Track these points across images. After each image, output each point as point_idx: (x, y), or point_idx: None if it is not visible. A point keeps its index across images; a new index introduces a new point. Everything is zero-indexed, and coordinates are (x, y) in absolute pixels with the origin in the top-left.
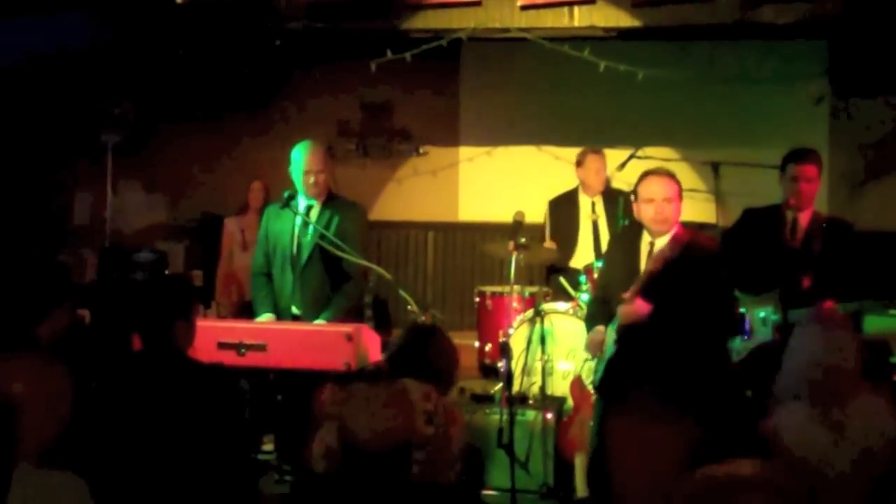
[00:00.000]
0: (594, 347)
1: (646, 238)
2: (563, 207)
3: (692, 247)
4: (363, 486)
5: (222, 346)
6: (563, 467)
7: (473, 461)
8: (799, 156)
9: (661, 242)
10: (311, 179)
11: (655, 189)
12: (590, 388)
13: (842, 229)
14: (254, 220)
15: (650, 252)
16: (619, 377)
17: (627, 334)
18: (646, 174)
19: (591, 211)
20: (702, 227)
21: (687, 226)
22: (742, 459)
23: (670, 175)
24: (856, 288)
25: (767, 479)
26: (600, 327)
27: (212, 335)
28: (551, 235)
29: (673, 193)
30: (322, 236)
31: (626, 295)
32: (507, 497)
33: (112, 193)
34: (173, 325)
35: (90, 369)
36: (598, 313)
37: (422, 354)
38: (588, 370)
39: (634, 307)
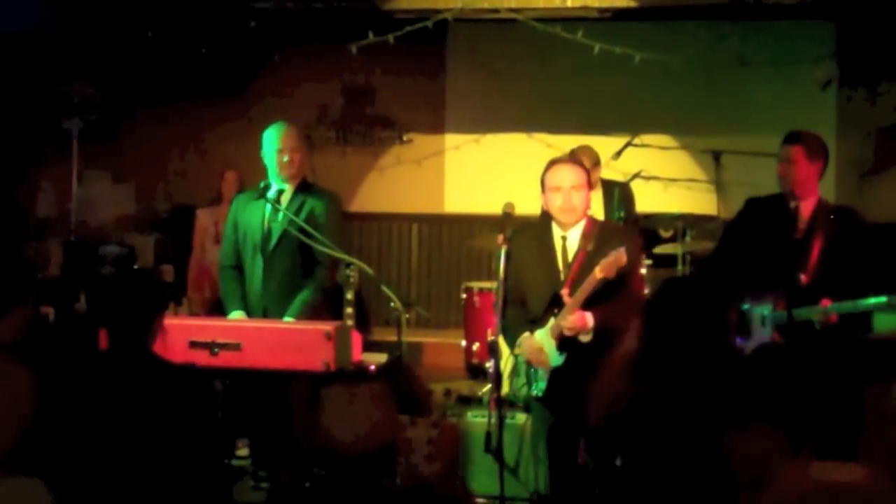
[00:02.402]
0: (537, 358)
1: (557, 232)
2: None
3: (630, 245)
4: (345, 493)
5: (194, 345)
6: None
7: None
8: (785, 137)
9: (574, 235)
10: (286, 158)
11: (562, 177)
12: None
13: (849, 219)
14: (227, 211)
15: (564, 247)
16: (568, 388)
17: (572, 344)
18: (552, 162)
19: None
20: (702, 218)
21: (592, 217)
22: (854, 465)
23: (578, 162)
24: (862, 283)
25: (875, 490)
26: (527, 334)
27: (183, 334)
28: None
29: (581, 181)
30: (292, 222)
31: (568, 301)
32: None
33: (77, 184)
34: (143, 324)
35: (54, 369)
36: (517, 319)
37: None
38: None
39: (581, 321)
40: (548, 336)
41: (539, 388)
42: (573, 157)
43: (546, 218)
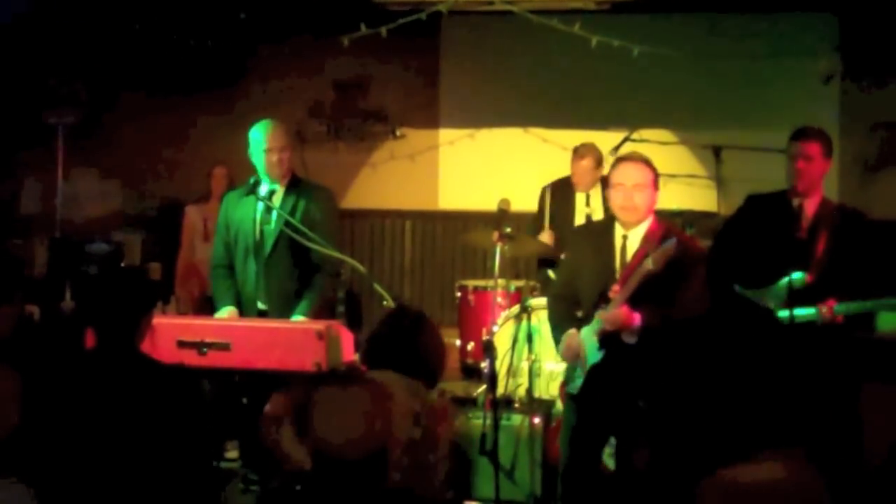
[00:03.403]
0: (572, 354)
1: (618, 231)
2: (560, 195)
3: (684, 249)
4: (335, 498)
5: (182, 344)
6: (552, 476)
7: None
8: (798, 132)
9: (635, 235)
10: (275, 157)
11: (626, 174)
12: None
13: (853, 218)
14: (216, 208)
15: (623, 246)
16: (602, 387)
17: (613, 342)
18: (619, 159)
19: (585, 204)
20: (702, 215)
21: (661, 218)
22: (767, 461)
23: (645, 161)
24: (868, 283)
25: (793, 483)
26: (573, 331)
27: (171, 333)
28: (550, 224)
29: (645, 180)
30: (287, 223)
31: (613, 296)
32: None
33: (63, 180)
34: (131, 323)
35: (39, 370)
36: (565, 314)
37: (409, 343)
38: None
39: (624, 317)
40: (591, 333)
41: (575, 386)
42: (640, 155)
43: (610, 215)
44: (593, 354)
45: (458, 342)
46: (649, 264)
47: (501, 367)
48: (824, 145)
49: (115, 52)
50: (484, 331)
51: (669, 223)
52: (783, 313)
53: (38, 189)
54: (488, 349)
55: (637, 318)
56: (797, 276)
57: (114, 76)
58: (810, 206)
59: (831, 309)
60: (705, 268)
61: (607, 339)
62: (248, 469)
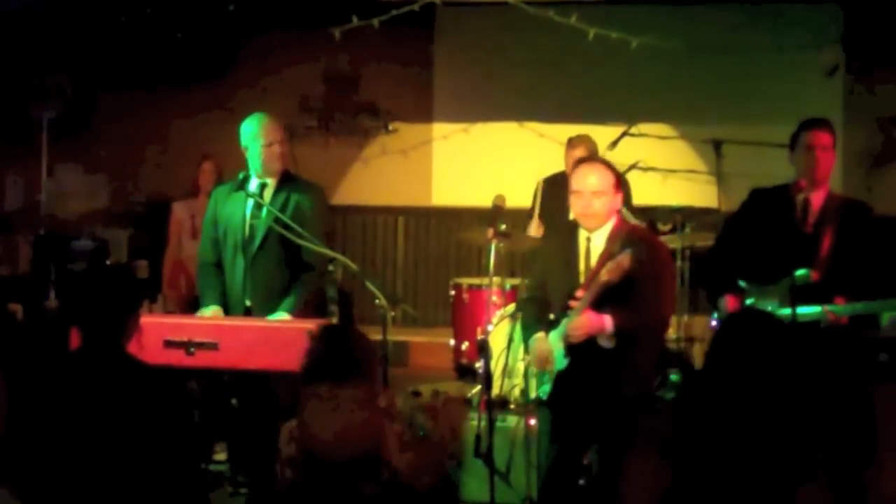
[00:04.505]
0: (542, 361)
1: (583, 234)
2: (557, 189)
3: (651, 250)
4: (327, 498)
5: (169, 344)
6: None
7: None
8: (811, 122)
9: (599, 237)
10: (277, 150)
11: (583, 180)
12: None
13: (859, 213)
14: (205, 204)
15: (588, 249)
16: (570, 393)
17: (581, 347)
18: (578, 161)
19: None
20: (702, 211)
21: (625, 219)
22: None
23: (604, 164)
24: (873, 280)
25: None
26: (540, 335)
27: (158, 332)
28: (540, 215)
29: (604, 186)
30: (277, 219)
31: (575, 304)
32: None
33: (47, 175)
34: (117, 322)
35: (23, 370)
36: (535, 317)
37: (349, 358)
38: None
39: (591, 322)
40: (558, 338)
41: (544, 390)
42: (600, 158)
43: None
44: (560, 360)
45: (451, 342)
46: (604, 275)
47: (496, 367)
48: (834, 136)
49: (101, 45)
50: (478, 330)
51: (634, 224)
52: (786, 312)
53: (22, 185)
54: (483, 349)
55: (607, 321)
56: (801, 272)
57: (99, 69)
58: (817, 200)
59: (837, 309)
60: (672, 270)
61: (575, 345)
62: (236, 472)
